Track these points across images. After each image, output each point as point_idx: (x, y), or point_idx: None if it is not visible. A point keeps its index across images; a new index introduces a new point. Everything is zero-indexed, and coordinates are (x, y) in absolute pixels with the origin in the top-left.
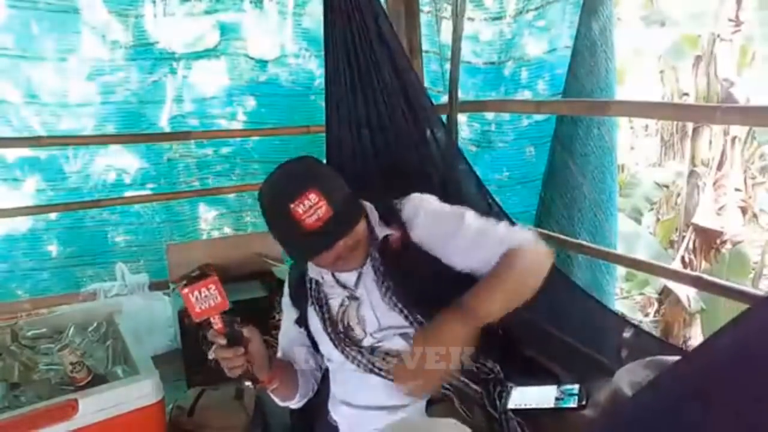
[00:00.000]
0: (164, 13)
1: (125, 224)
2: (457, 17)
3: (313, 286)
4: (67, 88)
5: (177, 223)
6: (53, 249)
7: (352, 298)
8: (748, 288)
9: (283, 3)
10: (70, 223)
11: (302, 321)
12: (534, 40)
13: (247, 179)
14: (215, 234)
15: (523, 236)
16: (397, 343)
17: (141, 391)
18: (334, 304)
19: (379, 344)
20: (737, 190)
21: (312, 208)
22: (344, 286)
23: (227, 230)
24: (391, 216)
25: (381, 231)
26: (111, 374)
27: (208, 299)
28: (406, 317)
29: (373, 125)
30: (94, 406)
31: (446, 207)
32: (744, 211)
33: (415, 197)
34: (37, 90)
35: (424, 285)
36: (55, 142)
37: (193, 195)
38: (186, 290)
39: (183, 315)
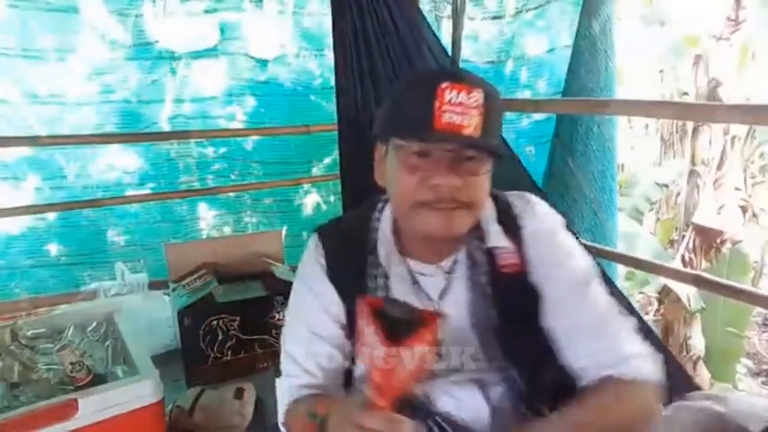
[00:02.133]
0: (164, 13)
1: (125, 224)
2: (457, 16)
3: (381, 273)
4: (67, 88)
5: (176, 222)
6: (53, 248)
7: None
8: (747, 287)
9: (283, 2)
10: (69, 222)
11: (349, 316)
12: (534, 39)
13: (246, 179)
14: (214, 234)
15: (641, 360)
16: (469, 392)
17: (141, 391)
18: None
19: (445, 386)
20: (737, 189)
21: (463, 106)
22: (426, 295)
23: (227, 230)
24: (508, 220)
25: (495, 234)
26: (111, 374)
27: None
28: (488, 359)
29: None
30: (94, 405)
31: (575, 250)
32: (744, 210)
33: (544, 210)
34: (36, 89)
35: (518, 329)
36: (55, 142)
37: (192, 195)
38: None
39: (183, 315)
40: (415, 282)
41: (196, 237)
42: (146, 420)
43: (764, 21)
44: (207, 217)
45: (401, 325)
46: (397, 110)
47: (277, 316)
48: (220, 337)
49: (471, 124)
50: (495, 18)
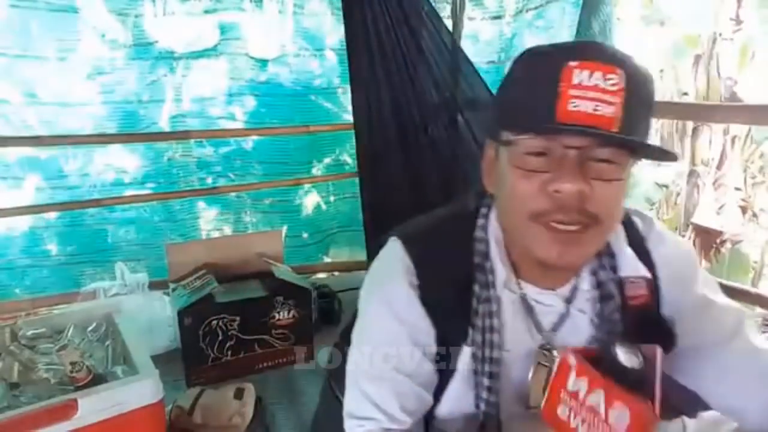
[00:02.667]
0: (164, 13)
1: (125, 223)
2: (457, 17)
3: (492, 297)
4: (67, 88)
5: (176, 222)
6: (53, 248)
7: (544, 347)
8: (748, 287)
9: (283, 2)
10: (69, 222)
11: (441, 345)
12: (534, 39)
13: (246, 179)
14: (214, 234)
15: None
16: None
17: (141, 391)
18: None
19: None
20: (737, 189)
21: (597, 90)
22: (537, 325)
23: (227, 230)
24: (636, 242)
25: (629, 260)
26: (111, 374)
27: None
28: None
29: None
30: (93, 405)
31: (713, 283)
32: (744, 210)
33: (668, 232)
34: (36, 89)
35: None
36: (55, 142)
37: (192, 195)
38: None
39: (183, 315)
40: (529, 310)
41: (196, 237)
42: (146, 420)
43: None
44: (207, 217)
45: (632, 375)
46: (510, 97)
47: (277, 317)
48: (220, 337)
49: (607, 114)
50: (495, 18)
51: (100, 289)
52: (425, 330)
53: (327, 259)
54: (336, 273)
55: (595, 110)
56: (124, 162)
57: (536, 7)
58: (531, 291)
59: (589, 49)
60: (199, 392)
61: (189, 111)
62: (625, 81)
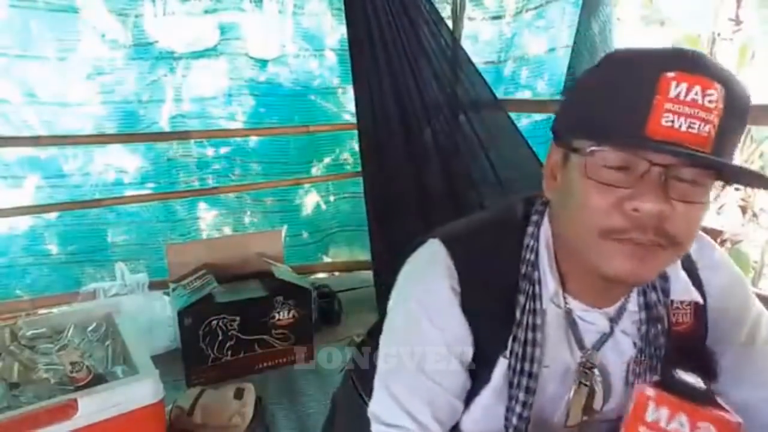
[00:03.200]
0: (164, 13)
1: (125, 223)
2: (457, 17)
3: (537, 309)
4: (67, 88)
5: (176, 222)
6: (53, 248)
7: (585, 366)
8: None
9: (283, 3)
10: (69, 221)
11: (480, 353)
12: (534, 39)
13: (247, 179)
14: (214, 233)
15: None
16: None
17: (141, 391)
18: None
19: None
20: (737, 189)
21: (695, 104)
22: (579, 341)
23: (227, 230)
24: (689, 266)
25: (682, 285)
26: (111, 374)
27: None
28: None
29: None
30: (93, 405)
31: (764, 315)
32: (744, 210)
33: (723, 257)
34: (36, 89)
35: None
36: (55, 142)
37: (192, 195)
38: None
39: (183, 315)
40: (573, 326)
41: (196, 237)
42: (146, 420)
43: (764, 21)
44: (207, 217)
45: (701, 394)
46: (593, 102)
47: (277, 317)
48: (220, 337)
49: (702, 132)
50: (495, 18)
51: (100, 289)
52: (463, 338)
53: (327, 259)
54: (336, 273)
55: (690, 128)
56: (124, 162)
57: (536, 7)
58: (576, 307)
59: (688, 59)
60: (199, 392)
61: (189, 111)
62: (723, 99)
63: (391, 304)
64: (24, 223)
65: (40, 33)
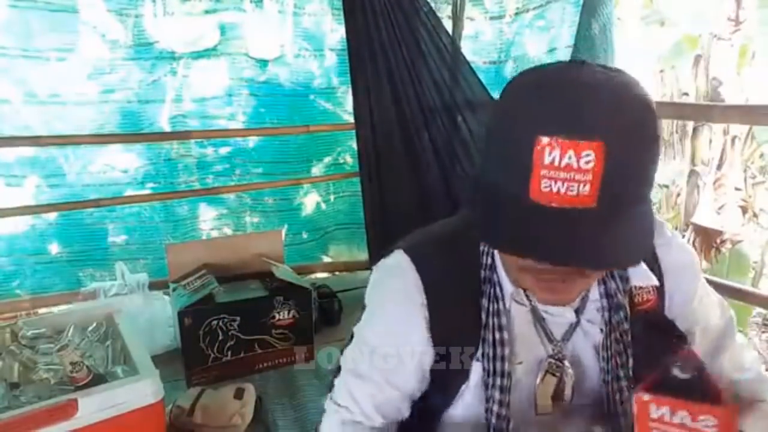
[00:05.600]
0: (164, 13)
1: (125, 223)
2: (457, 17)
3: (502, 310)
4: (67, 87)
5: (177, 222)
6: (53, 247)
7: (556, 357)
8: (748, 287)
9: (283, 3)
10: (69, 221)
11: (459, 364)
12: (534, 39)
13: (247, 179)
14: (215, 233)
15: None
16: None
17: (141, 391)
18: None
19: None
20: (737, 189)
21: (570, 168)
22: (548, 335)
23: (227, 230)
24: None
25: (640, 272)
26: (111, 374)
27: None
28: (611, 405)
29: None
30: (94, 405)
31: (711, 293)
32: (744, 210)
33: (679, 240)
34: (36, 89)
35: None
36: (55, 142)
37: (192, 195)
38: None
39: (183, 315)
40: (540, 320)
41: (197, 237)
42: (146, 420)
43: (764, 21)
44: (207, 217)
45: (695, 384)
46: (488, 160)
47: (277, 317)
48: (220, 337)
49: (582, 192)
50: (495, 18)
51: (101, 289)
52: (422, 343)
53: (327, 258)
54: (336, 273)
55: (569, 191)
56: (124, 162)
57: (536, 7)
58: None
59: (564, 116)
60: (199, 392)
61: (189, 111)
62: (603, 154)
63: (365, 300)
64: (24, 222)
65: (40, 33)
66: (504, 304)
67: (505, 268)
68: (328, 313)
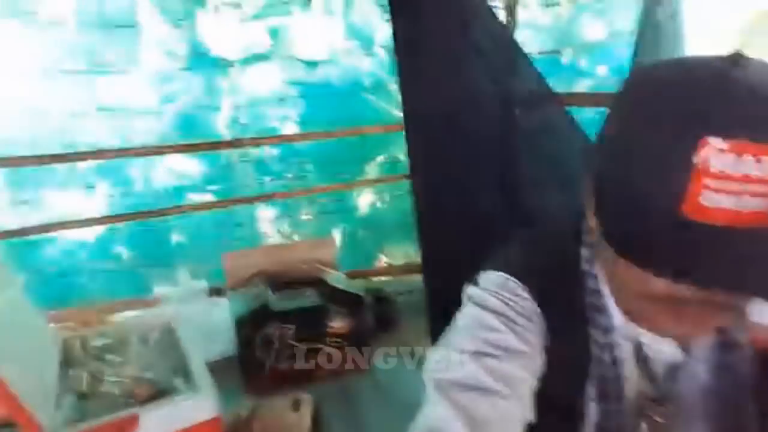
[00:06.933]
0: (216, 21)
1: (186, 228)
2: (511, 6)
3: (611, 343)
4: (131, 98)
5: (235, 227)
6: (118, 253)
7: (656, 399)
8: None
9: (331, 3)
10: (135, 227)
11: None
12: (593, 24)
13: (301, 180)
14: (272, 235)
15: None
16: None
17: (199, 407)
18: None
19: None
20: None
21: (746, 179)
22: (651, 374)
23: (283, 230)
24: None
25: (756, 308)
26: (171, 387)
27: None
28: None
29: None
30: (154, 421)
31: None
32: None
33: None
34: (104, 101)
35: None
36: (122, 154)
37: (250, 201)
38: None
39: (239, 323)
40: (643, 357)
41: (254, 239)
42: None
43: None
44: (264, 218)
45: None
46: (618, 171)
47: (332, 324)
48: (276, 346)
49: (759, 207)
50: (550, 5)
51: (163, 295)
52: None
53: (383, 258)
54: (392, 276)
55: (740, 206)
56: (185, 168)
57: None
58: (643, 334)
59: (736, 108)
60: (255, 404)
61: (244, 115)
62: None
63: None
64: (93, 229)
65: (106, 48)
66: (613, 336)
67: (618, 294)
68: (385, 319)
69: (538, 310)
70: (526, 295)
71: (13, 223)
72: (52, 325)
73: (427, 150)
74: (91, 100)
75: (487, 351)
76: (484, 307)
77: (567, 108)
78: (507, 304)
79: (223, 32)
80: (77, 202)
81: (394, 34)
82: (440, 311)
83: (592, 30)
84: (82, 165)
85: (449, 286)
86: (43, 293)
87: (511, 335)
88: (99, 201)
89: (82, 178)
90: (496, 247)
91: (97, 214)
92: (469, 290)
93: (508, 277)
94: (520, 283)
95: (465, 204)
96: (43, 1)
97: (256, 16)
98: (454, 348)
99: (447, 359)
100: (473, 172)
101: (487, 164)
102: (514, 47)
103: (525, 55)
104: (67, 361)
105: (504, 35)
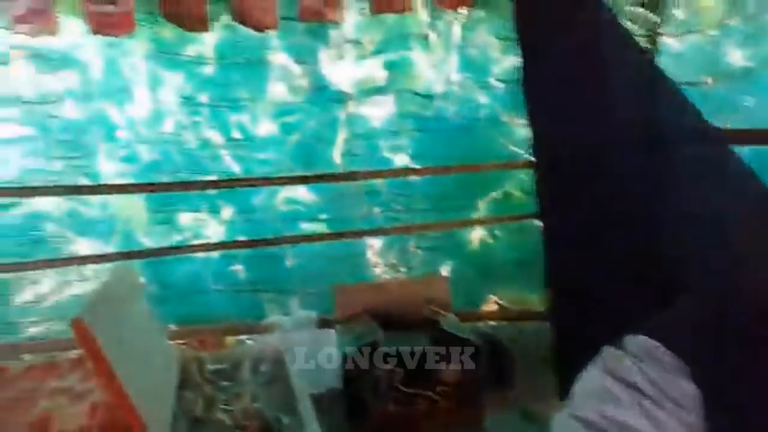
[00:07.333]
0: (338, 57)
1: (299, 257)
2: (653, 34)
3: None
4: (256, 130)
5: (345, 258)
6: (236, 275)
7: None
8: None
9: (449, 37)
10: (251, 252)
11: None
12: (740, 51)
13: (412, 214)
14: (380, 267)
15: None
16: None
17: None
18: None
19: None
20: None
21: None
22: None
23: (391, 265)
24: None
25: None
26: (277, 424)
27: None
28: None
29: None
30: None
31: None
32: None
33: None
34: (232, 132)
35: None
36: (245, 184)
37: (359, 234)
38: None
39: (346, 360)
40: None
41: (362, 271)
42: None
43: None
44: (372, 251)
45: None
46: None
47: (441, 372)
48: (382, 388)
49: None
50: (692, 32)
51: (275, 323)
52: None
53: (494, 299)
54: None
55: None
56: (299, 197)
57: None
58: None
59: None
60: None
61: (359, 148)
62: None
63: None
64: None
65: (238, 83)
66: None
67: None
68: (499, 371)
69: (697, 392)
70: (682, 375)
71: (149, 243)
72: (172, 342)
73: (562, 189)
74: (222, 130)
75: (601, 426)
76: (620, 379)
77: (730, 147)
78: (649, 379)
79: (342, 67)
80: (203, 225)
81: (522, 64)
82: (568, 359)
83: (740, 57)
84: (210, 191)
85: (580, 334)
86: (164, 310)
87: (636, 413)
88: (222, 225)
89: (209, 200)
90: (648, 310)
91: (220, 238)
92: (609, 352)
93: (666, 351)
94: (678, 361)
95: (603, 249)
96: (187, 41)
97: (375, 52)
98: (572, 413)
99: (564, 426)
100: (614, 214)
101: (631, 207)
102: (661, 77)
103: (674, 84)
104: (183, 382)
105: (647, 64)
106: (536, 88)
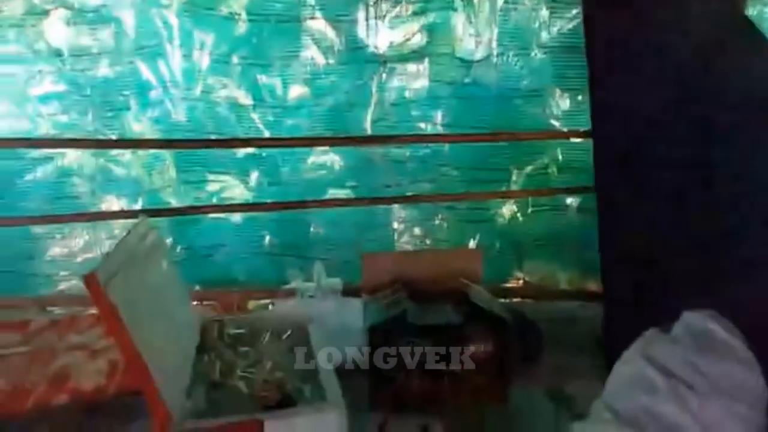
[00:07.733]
0: (375, 16)
1: (325, 223)
2: None
3: None
4: (287, 92)
5: (373, 227)
6: (264, 240)
7: None
8: None
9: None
10: (277, 216)
11: None
12: None
13: (443, 183)
14: (406, 236)
15: None
16: None
17: (326, 423)
18: None
19: None
20: None
21: None
22: None
23: (418, 233)
24: None
25: None
26: (298, 393)
27: None
28: None
29: None
30: (278, 430)
31: None
32: None
33: None
34: (263, 93)
35: None
36: (273, 144)
37: (387, 201)
38: None
39: (372, 332)
40: None
41: (388, 240)
42: None
43: None
44: (401, 218)
45: None
46: None
47: (469, 347)
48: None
49: None
50: None
51: (298, 289)
52: None
53: (520, 275)
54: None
55: None
56: (328, 162)
57: None
58: None
59: None
60: (382, 420)
61: (392, 114)
62: None
63: None
64: (241, 215)
65: (269, 42)
66: None
67: None
68: (527, 348)
69: (761, 382)
70: (745, 366)
71: (175, 201)
72: (194, 303)
73: (622, 161)
74: (252, 90)
75: (635, 418)
76: (660, 366)
77: None
78: (695, 368)
79: (380, 28)
80: (230, 186)
81: (585, 23)
82: (619, 334)
83: None
84: (238, 152)
85: (634, 307)
86: (189, 270)
87: (675, 405)
88: (250, 187)
89: (237, 164)
90: (707, 284)
91: (247, 199)
92: (651, 335)
93: (728, 336)
94: (746, 351)
95: (669, 227)
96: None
97: (415, 13)
98: (605, 402)
99: (598, 413)
100: (684, 188)
101: (692, 184)
102: (755, 34)
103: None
104: (203, 345)
105: (738, 20)
106: (601, 55)
